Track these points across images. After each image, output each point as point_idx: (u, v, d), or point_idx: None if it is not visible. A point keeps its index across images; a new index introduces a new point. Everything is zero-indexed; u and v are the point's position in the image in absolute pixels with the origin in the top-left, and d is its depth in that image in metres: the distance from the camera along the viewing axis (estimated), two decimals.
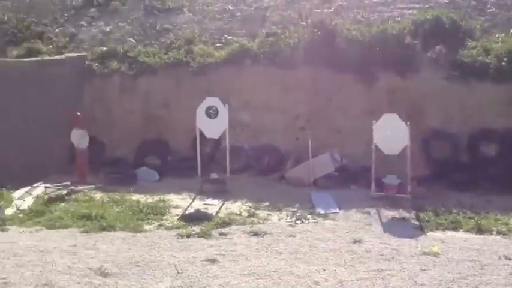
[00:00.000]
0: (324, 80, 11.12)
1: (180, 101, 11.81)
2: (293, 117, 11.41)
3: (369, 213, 8.60)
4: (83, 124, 10.24)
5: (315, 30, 11.11)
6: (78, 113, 10.32)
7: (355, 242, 7.08)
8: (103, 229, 7.72)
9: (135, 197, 9.54)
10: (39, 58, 11.64)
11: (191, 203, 9.30)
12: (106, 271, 5.98)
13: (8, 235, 7.48)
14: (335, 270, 5.96)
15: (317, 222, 8.17)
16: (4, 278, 5.67)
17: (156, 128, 11.97)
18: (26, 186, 10.01)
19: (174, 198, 9.58)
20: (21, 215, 8.36)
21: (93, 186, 10.19)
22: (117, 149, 12.03)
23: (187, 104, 11.49)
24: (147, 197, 9.58)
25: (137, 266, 6.18)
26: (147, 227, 7.94)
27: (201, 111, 9.82)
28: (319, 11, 11.94)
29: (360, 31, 11.20)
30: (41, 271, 5.91)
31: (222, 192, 9.84)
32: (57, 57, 11.83)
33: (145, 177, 11.09)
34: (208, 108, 9.87)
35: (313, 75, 11.16)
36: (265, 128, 11.59)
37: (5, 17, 13.88)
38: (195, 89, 11.67)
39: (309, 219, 8.33)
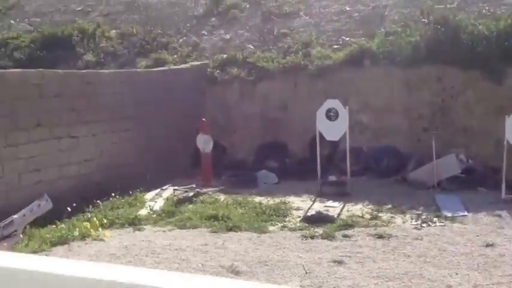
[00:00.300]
0: (448, 78, 10.74)
1: (298, 104, 11.93)
2: (415, 118, 11.13)
3: (500, 216, 8.18)
4: (207, 129, 10.66)
5: (438, 26, 10.75)
6: (203, 119, 10.75)
7: (487, 245, 6.78)
8: (230, 229, 7.99)
9: (257, 199, 9.76)
10: (166, 68, 12.25)
11: (312, 205, 9.36)
12: (237, 269, 6.21)
13: (144, 234, 7.95)
14: (468, 274, 5.76)
15: (444, 225, 7.92)
16: None
17: (274, 131, 12.18)
18: (155, 189, 10.60)
19: (294, 200, 9.69)
20: (154, 216, 8.84)
21: (216, 188, 10.56)
22: (237, 153, 12.39)
23: (305, 107, 11.60)
24: (268, 199, 9.77)
25: (265, 265, 6.35)
26: (271, 227, 8.11)
27: (321, 114, 9.85)
28: (441, 6, 11.54)
29: (486, 26, 10.69)
30: (177, 268, 6.26)
31: (342, 194, 9.81)
32: (183, 66, 12.39)
33: (265, 180, 11.30)
34: (329, 111, 9.88)
35: (436, 74, 10.82)
36: (385, 129, 11.41)
37: (134, 30, 14.76)
38: (313, 91, 11.76)
39: (435, 222, 8.09)
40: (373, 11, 13.00)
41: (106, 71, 11.03)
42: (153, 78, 11.28)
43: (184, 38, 14.20)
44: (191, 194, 10.16)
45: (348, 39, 12.34)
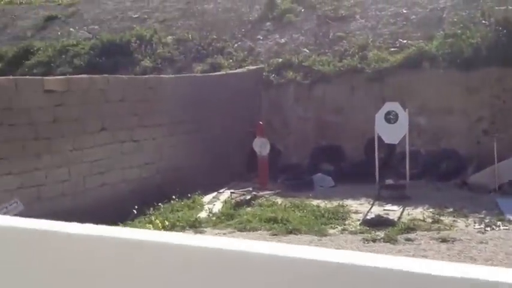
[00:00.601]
0: (509, 79, 10.49)
1: (354, 107, 11.89)
2: (475, 120, 10.91)
3: None
4: (264, 133, 10.75)
5: (500, 28, 10.53)
6: (261, 122, 10.85)
7: None
8: (290, 232, 8.03)
9: (315, 202, 9.77)
10: (223, 72, 12.42)
11: (370, 208, 9.30)
12: None
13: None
14: None
15: (509, 229, 7.75)
16: None
17: (329, 134, 12.17)
18: (212, 191, 10.75)
19: (352, 204, 9.65)
20: (213, 218, 8.98)
21: (273, 192, 10.64)
22: (291, 156, 12.43)
23: (361, 110, 11.57)
24: (326, 202, 9.75)
25: None
26: (331, 231, 8.10)
27: (380, 117, 9.79)
28: (503, 8, 11.29)
29: None
30: None
31: (401, 197, 9.72)
32: (239, 70, 12.54)
33: (321, 183, 11.30)
34: (388, 113, 9.81)
35: (497, 75, 10.59)
36: (443, 131, 11.24)
37: (189, 36, 15.01)
38: (369, 94, 11.70)
39: (499, 225, 7.93)
40: (430, 13, 12.82)
41: (166, 76, 11.28)
42: (211, 82, 11.46)
43: (239, 42, 14.35)
44: (248, 197, 10.27)
45: (405, 41, 12.22)
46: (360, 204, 9.62)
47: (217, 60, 13.63)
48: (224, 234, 8.17)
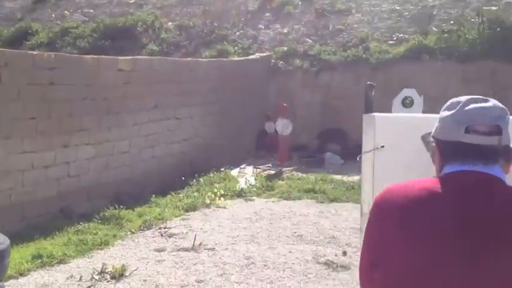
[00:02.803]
0: (501, 72, 11.97)
1: (358, 95, 13.04)
2: None
3: None
4: (287, 114, 11.74)
5: (494, 25, 11.99)
6: (285, 104, 11.82)
7: None
8: (332, 200, 9.09)
9: (337, 176, 10.87)
10: (236, 58, 13.28)
11: None
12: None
13: (257, 203, 8.98)
14: None
15: None
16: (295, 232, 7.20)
17: (335, 118, 13.31)
18: (235, 167, 11.64)
19: None
20: (254, 189, 9.89)
21: (292, 168, 11.68)
22: (299, 137, 13.49)
23: (364, 97, 12.75)
24: (345, 176, 10.89)
25: None
26: None
27: (397, 101, 10.98)
28: (495, 8, 12.77)
29: None
30: (317, 228, 7.36)
31: None
32: (252, 57, 13.43)
33: (332, 161, 12.47)
34: (405, 99, 11.01)
35: (490, 69, 12.04)
36: None
37: (191, 22, 15.73)
38: (373, 83, 12.89)
39: None
40: (422, 10, 14.18)
41: (203, 59, 12.03)
42: (231, 67, 12.31)
43: (241, 31, 15.22)
44: (273, 171, 11.28)
45: (401, 35, 13.50)
46: None
47: (224, 47, 14.45)
48: (273, 202, 9.11)
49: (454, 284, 1.46)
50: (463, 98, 1.62)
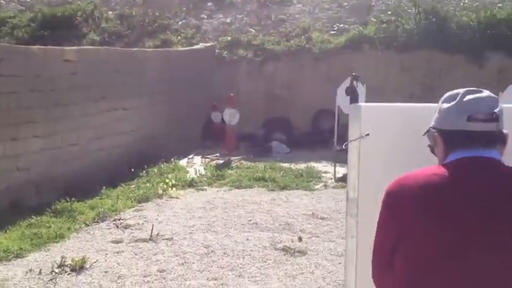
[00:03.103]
0: (437, 61, 12.52)
1: (301, 84, 13.33)
2: (407, 96, 12.81)
3: None
4: (235, 104, 11.84)
5: (430, 16, 12.50)
6: (232, 94, 11.91)
7: None
8: (283, 188, 9.29)
9: (284, 164, 11.10)
10: (181, 48, 13.25)
11: (335, 169, 10.82)
12: (319, 215, 7.56)
13: (209, 193, 9.07)
14: None
15: None
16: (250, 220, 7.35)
17: (279, 107, 13.54)
18: (182, 157, 11.67)
19: (316, 166, 11.11)
20: (205, 179, 9.97)
21: (239, 157, 11.82)
22: (244, 125, 13.63)
23: (308, 86, 13.05)
24: (293, 164, 11.13)
25: (339, 213, 7.70)
26: (316, 186, 9.49)
27: (341, 90, 11.29)
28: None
29: (468, 16, 12.56)
30: (271, 216, 7.54)
31: None
32: (196, 46, 13.43)
33: (278, 150, 12.71)
34: (348, 88, 11.33)
35: (427, 57, 12.56)
36: None
37: (132, 12, 15.52)
38: (316, 72, 13.21)
39: None
40: (361, 1, 14.58)
41: (149, 49, 11.91)
42: (177, 57, 12.28)
43: (183, 20, 15.16)
44: (222, 161, 11.38)
45: (342, 25, 13.85)
46: (324, 166, 11.11)
47: (167, 36, 14.37)
48: (225, 191, 9.22)
49: (483, 262, 1.60)
50: (461, 90, 1.78)
